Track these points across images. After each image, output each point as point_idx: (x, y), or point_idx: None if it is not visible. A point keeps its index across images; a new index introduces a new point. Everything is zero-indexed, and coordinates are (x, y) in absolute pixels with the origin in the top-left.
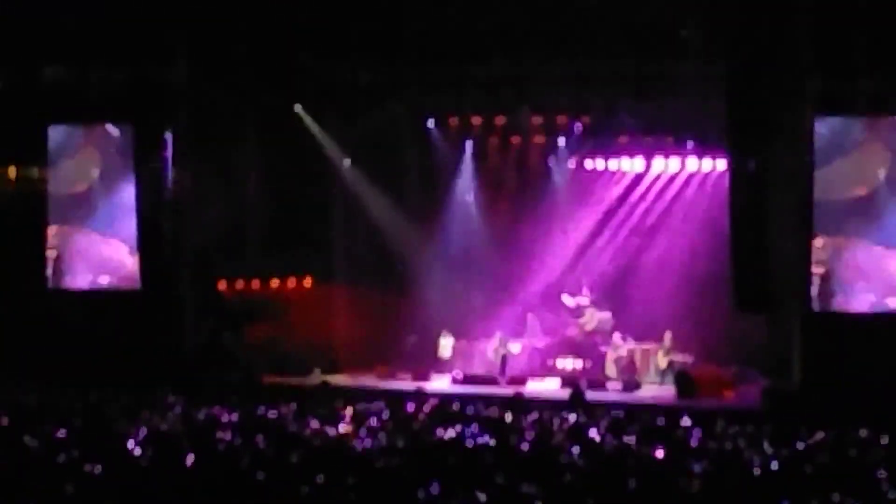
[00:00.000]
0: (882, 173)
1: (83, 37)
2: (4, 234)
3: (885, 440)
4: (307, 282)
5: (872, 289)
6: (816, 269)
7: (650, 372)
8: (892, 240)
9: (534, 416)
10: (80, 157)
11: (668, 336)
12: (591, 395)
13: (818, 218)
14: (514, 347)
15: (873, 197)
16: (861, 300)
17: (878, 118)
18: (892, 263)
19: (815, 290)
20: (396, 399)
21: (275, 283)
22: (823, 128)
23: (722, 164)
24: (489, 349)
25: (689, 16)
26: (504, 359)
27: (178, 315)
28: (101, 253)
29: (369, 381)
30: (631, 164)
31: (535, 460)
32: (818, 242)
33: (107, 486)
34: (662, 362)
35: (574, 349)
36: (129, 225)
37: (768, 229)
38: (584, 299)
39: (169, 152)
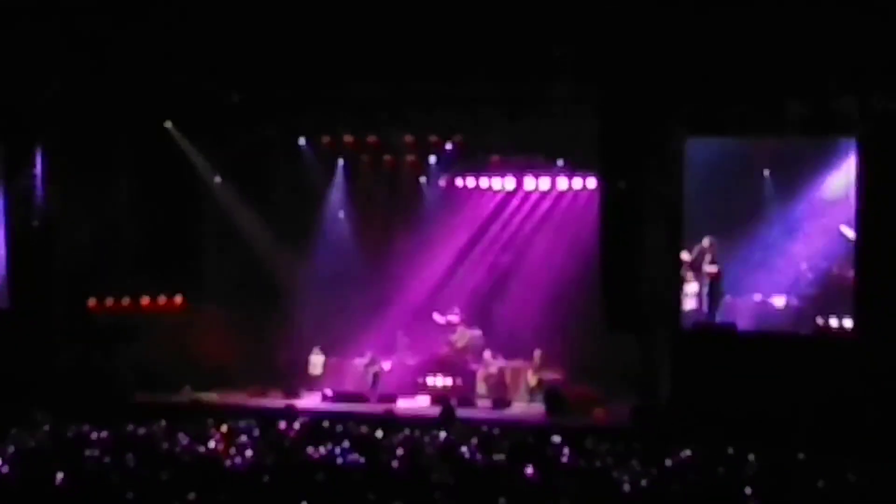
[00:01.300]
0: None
1: None
2: None
3: (751, 457)
4: (178, 300)
5: (760, 287)
6: (709, 269)
7: (521, 390)
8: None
9: (404, 433)
10: None
11: (538, 354)
12: (462, 412)
13: (707, 220)
14: (385, 365)
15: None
16: (748, 299)
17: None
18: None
19: (704, 291)
20: (267, 417)
21: (145, 301)
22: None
23: (592, 182)
24: (360, 367)
25: (562, 36)
26: (376, 377)
27: (47, 333)
28: None
29: (240, 398)
30: (502, 183)
31: (406, 478)
32: (706, 242)
33: None
34: (533, 380)
35: (445, 367)
36: None
37: (639, 250)
38: (454, 317)
39: (39, 170)
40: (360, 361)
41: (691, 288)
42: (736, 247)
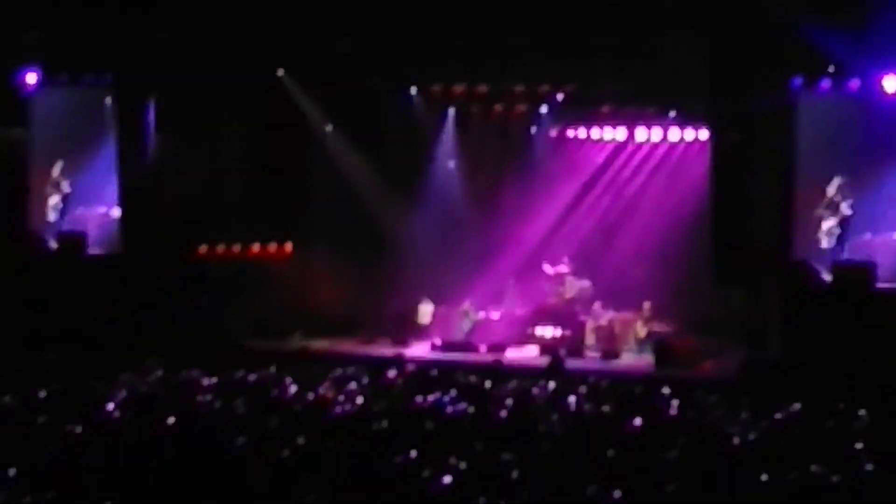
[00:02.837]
0: None
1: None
2: None
3: (862, 412)
4: (288, 247)
5: None
6: (841, 209)
7: (629, 341)
8: None
9: (513, 384)
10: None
11: (647, 306)
12: (570, 363)
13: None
14: (494, 314)
15: None
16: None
17: None
18: None
19: (836, 231)
20: (376, 365)
21: (255, 248)
22: None
23: (704, 134)
24: (456, 316)
25: None
26: (472, 327)
27: (158, 279)
28: (85, 216)
29: (349, 346)
30: (613, 134)
31: (514, 428)
32: (835, 182)
33: (87, 446)
34: (642, 332)
35: (554, 318)
36: (111, 190)
37: (750, 201)
38: (564, 268)
39: (150, 117)
40: (456, 310)
41: (826, 226)
42: (876, 184)
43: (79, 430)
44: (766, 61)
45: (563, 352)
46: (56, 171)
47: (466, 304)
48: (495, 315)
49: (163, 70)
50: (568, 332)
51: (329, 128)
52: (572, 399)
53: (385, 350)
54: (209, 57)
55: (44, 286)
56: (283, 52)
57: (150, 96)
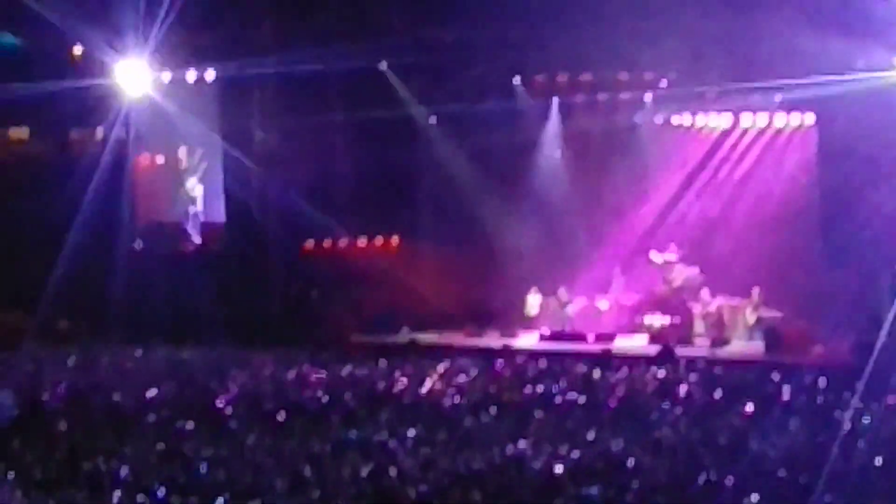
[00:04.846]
0: None
1: None
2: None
3: None
4: (394, 241)
5: None
6: None
7: (739, 328)
8: None
9: (622, 372)
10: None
11: (756, 291)
12: (680, 351)
13: None
14: (602, 304)
15: None
16: None
17: None
18: None
19: None
20: (485, 356)
21: (362, 242)
22: None
23: (811, 118)
24: (554, 305)
25: None
26: (572, 313)
27: (265, 275)
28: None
29: (457, 339)
30: (718, 120)
31: (625, 417)
32: None
33: (198, 443)
34: (751, 318)
35: (662, 306)
36: (218, 182)
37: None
38: (671, 255)
39: (256, 112)
40: (553, 300)
41: None
42: None
43: (190, 426)
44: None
45: (672, 340)
46: (183, 157)
47: (562, 291)
48: (603, 304)
49: (266, 63)
50: (677, 320)
51: (432, 120)
52: (683, 387)
53: (493, 342)
54: (311, 48)
55: (154, 281)
56: (386, 45)
57: (255, 91)
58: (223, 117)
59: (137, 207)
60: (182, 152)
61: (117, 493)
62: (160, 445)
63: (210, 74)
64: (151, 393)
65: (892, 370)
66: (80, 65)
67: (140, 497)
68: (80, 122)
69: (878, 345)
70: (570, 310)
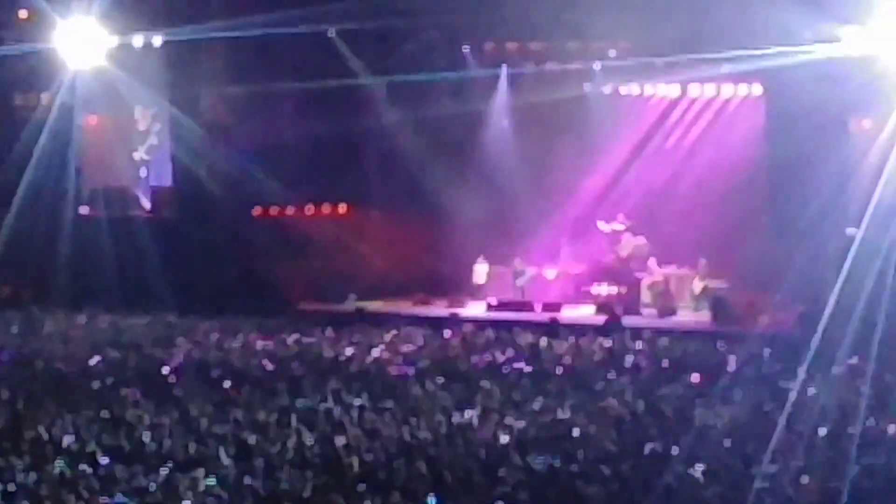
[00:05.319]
0: None
1: None
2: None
3: None
4: (342, 208)
5: None
6: None
7: (686, 298)
8: None
9: (570, 341)
10: None
11: (703, 262)
12: (627, 321)
13: None
14: (549, 273)
15: None
16: None
17: None
18: None
19: None
20: (432, 325)
21: (310, 209)
22: None
23: (758, 89)
24: (508, 275)
25: None
26: (527, 283)
27: (213, 241)
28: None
29: (405, 307)
30: (667, 90)
31: (572, 386)
32: None
33: (143, 411)
34: (698, 288)
35: (609, 276)
36: (166, 147)
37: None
38: (619, 225)
39: (204, 76)
40: (504, 269)
41: None
42: None
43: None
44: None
45: (619, 309)
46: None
47: (517, 262)
48: (551, 274)
49: (215, 30)
50: (624, 290)
51: (381, 87)
52: (630, 357)
53: (441, 311)
54: (261, 17)
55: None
56: (334, 11)
57: (203, 57)
58: (171, 83)
59: (85, 172)
60: (138, 113)
61: (60, 462)
62: (104, 413)
63: (157, 40)
64: (95, 360)
65: (838, 341)
66: (25, 29)
67: (83, 465)
68: (26, 87)
69: (825, 315)
70: (524, 280)
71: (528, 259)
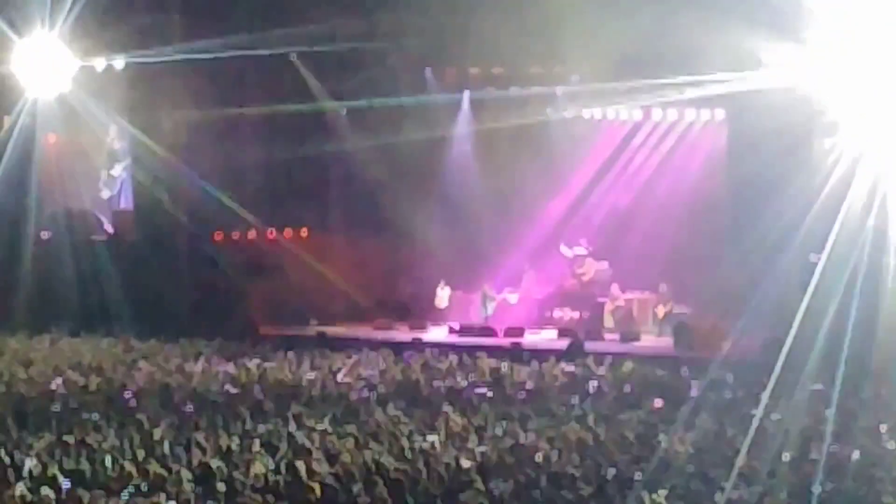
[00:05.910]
0: None
1: None
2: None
3: (884, 391)
4: (304, 232)
5: None
6: None
7: (648, 322)
8: None
9: (532, 366)
10: None
11: (664, 287)
12: (590, 345)
13: None
14: (511, 298)
15: None
16: None
17: None
18: None
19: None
20: (394, 349)
21: (272, 233)
22: None
23: (720, 114)
24: (478, 300)
25: None
26: (493, 310)
27: (175, 265)
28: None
29: (366, 331)
30: (629, 114)
31: (534, 411)
32: None
33: (104, 434)
34: (661, 313)
35: (572, 300)
36: (124, 174)
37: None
38: (581, 250)
39: (166, 100)
40: (474, 294)
41: None
42: None
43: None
44: None
45: (581, 334)
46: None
47: (486, 287)
48: (513, 298)
49: (177, 53)
50: (586, 315)
51: (343, 112)
52: (592, 381)
53: (402, 335)
54: (223, 40)
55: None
56: (296, 35)
57: (164, 80)
58: (132, 106)
59: (47, 196)
60: (101, 136)
61: (20, 486)
62: (66, 437)
63: (119, 63)
64: (56, 383)
65: (801, 366)
66: None
67: (45, 489)
68: None
69: (788, 341)
70: (492, 307)
71: (491, 283)
